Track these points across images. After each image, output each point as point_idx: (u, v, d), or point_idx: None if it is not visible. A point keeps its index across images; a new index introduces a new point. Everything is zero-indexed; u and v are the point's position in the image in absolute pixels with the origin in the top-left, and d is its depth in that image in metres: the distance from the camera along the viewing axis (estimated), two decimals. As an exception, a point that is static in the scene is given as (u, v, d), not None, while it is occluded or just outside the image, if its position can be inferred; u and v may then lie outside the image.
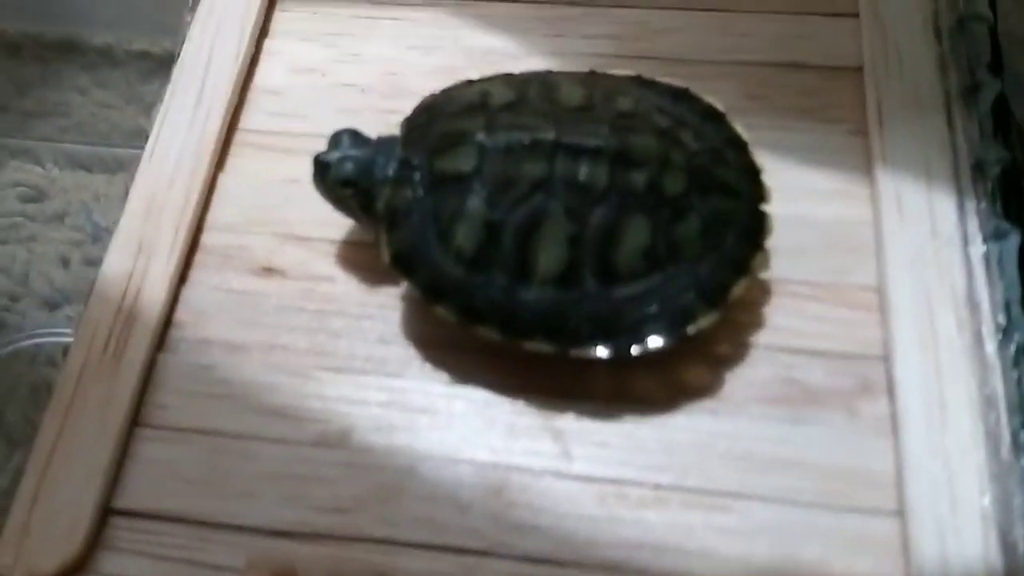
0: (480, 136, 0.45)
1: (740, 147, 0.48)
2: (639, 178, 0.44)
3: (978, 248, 0.48)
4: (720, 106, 0.50)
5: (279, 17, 0.59)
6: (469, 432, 0.45)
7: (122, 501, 0.44)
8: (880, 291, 0.48)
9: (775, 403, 0.45)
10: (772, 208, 0.47)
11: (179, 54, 0.57)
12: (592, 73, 0.51)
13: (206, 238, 0.51)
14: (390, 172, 0.46)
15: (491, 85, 0.49)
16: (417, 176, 0.46)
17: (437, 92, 0.50)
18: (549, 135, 0.44)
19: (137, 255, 0.50)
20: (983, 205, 0.49)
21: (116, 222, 0.53)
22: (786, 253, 0.48)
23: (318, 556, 0.42)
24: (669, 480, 0.43)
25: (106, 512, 0.44)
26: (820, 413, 0.45)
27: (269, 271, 0.50)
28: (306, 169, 0.49)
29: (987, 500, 0.41)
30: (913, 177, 0.50)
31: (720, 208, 0.45)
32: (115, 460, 0.45)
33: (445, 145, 0.46)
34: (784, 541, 0.42)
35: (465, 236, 0.44)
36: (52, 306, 0.61)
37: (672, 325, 0.44)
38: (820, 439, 0.44)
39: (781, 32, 0.57)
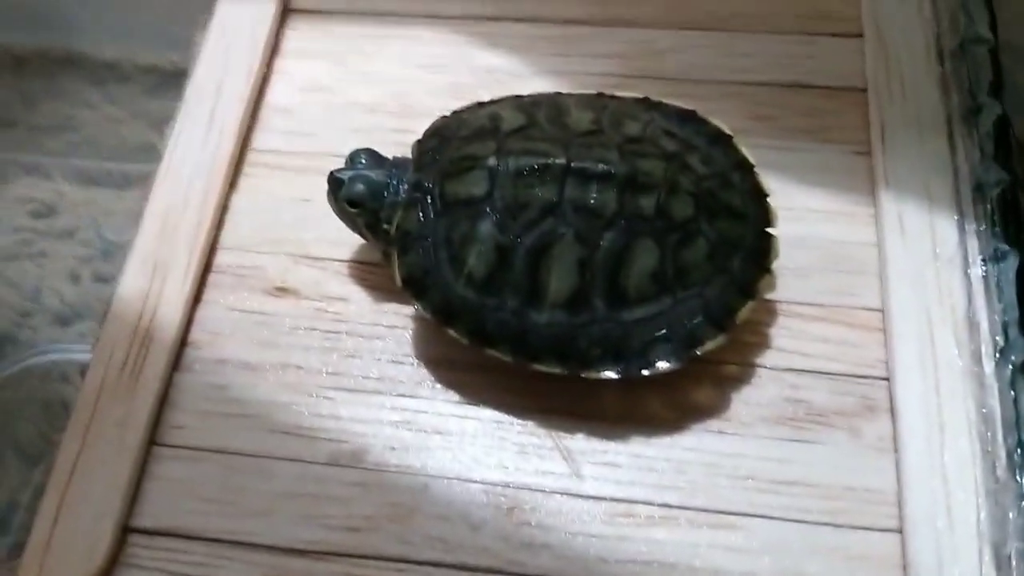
0: (491, 161, 0.46)
1: (747, 170, 0.49)
2: (648, 203, 0.45)
3: (978, 270, 0.49)
4: (726, 127, 0.50)
5: (289, 36, 0.60)
6: (480, 452, 0.46)
7: (140, 519, 0.45)
8: (883, 312, 0.49)
9: (780, 423, 0.46)
10: (778, 230, 0.47)
11: (191, 73, 0.57)
12: (600, 95, 0.51)
13: (220, 258, 0.52)
14: (402, 195, 0.47)
15: (501, 108, 0.50)
16: (429, 199, 0.47)
17: (448, 114, 0.51)
18: (559, 160, 0.45)
19: (152, 275, 0.50)
20: (983, 227, 0.49)
21: (127, 238, 0.54)
22: (791, 274, 0.49)
23: (332, 574, 0.43)
24: (677, 499, 0.44)
25: (125, 530, 0.45)
26: (824, 433, 0.45)
27: (283, 291, 0.51)
28: (318, 188, 0.50)
29: (983, 516, 0.42)
30: (915, 198, 0.51)
31: (727, 232, 0.46)
32: (133, 479, 0.45)
33: (457, 169, 0.46)
34: (788, 558, 0.43)
35: (477, 259, 0.45)
36: (63, 322, 0.62)
37: (680, 347, 0.44)
38: (824, 458, 0.45)
39: (786, 52, 0.58)
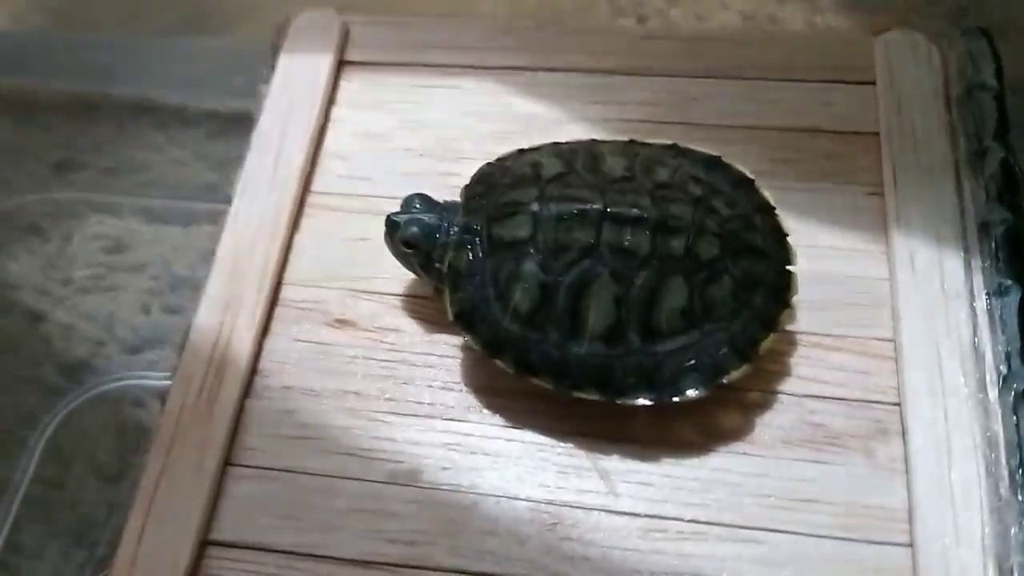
0: (534, 206, 0.50)
1: (768, 212, 0.53)
2: (677, 244, 0.50)
3: (982, 303, 0.53)
4: (748, 170, 0.55)
5: (345, 87, 0.65)
6: (525, 472, 0.50)
7: (218, 534, 0.50)
8: (894, 342, 0.53)
9: (800, 445, 0.50)
10: (797, 267, 0.52)
11: (256, 122, 0.62)
12: (632, 142, 0.56)
13: (285, 293, 0.57)
14: (453, 236, 0.52)
15: (541, 156, 0.55)
16: (477, 241, 0.51)
17: (492, 161, 0.56)
18: (596, 205, 0.50)
19: (225, 310, 0.55)
20: (987, 263, 0.54)
21: (193, 272, 0.59)
22: (810, 307, 0.54)
23: (393, 583, 0.48)
24: (705, 516, 0.48)
25: (204, 544, 0.49)
26: (840, 454, 0.50)
27: (342, 323, 0.56)
28: (374, 228, 0.55)
29: (987, 532, 0.46)
30: (924, 236, 0.55)
31: (750, 270, 0.51)
32: (211, 497, 0.50)
33: (503, 213, 0.51)
34: (807, 570, 0.47)
35: (522, 296, 0.50)
36: (134, 351, 0.67)
37: (708, 376, 0.49)
38: (840, 478, 0.49)
39: (804, 99, 0.62)
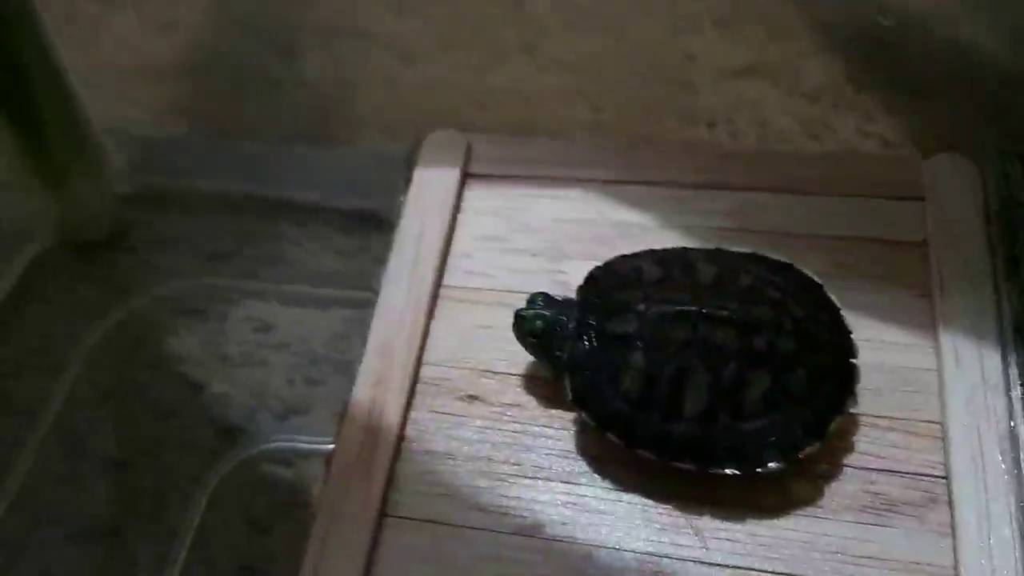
0: (640, 307, 0.61)
1: (833, 311, 0.64)
2: (760, 341, 0.60)
3: (1017, 392, 0.62)
4: (815, 274, 0.66)
5: (469, 196, 0.76)
6: (631, 528, 0.60)
7: (377, 574, 0.60)
8: (941, 424, 0.63)
9: (862, 511, 0.60)
10: (858, 359, 0.62)
11: (397, 225, 0.74)
12: (718, 250, 0.67)
13: (424, 372, 0.68)
14: (571, 330, 0.63)
15: (642, 261, 0.66)
16: (592, 334, 0.62)
17: (601, 264, 0.67)
18: (692, 307, 0.61)
19: (376, 386, 0.67)
20: (1022, 358, 0.64)
21: (328, 349, 0.70)
22: (869, 393, 0.63)
23: (523, 618, 0.58)
24: (782, 569, 0.58)
25: (365, 581, 0.60)
26: (895, 519, 0.59)
27: (472, 398, 0.67)
28: (496, 317, 0.66)
29: (1021, 587, 0.56)
30: (967, 334, 0.65)
31: (820, 362, 0.61)
32: (370, 544, 0.61)
33: (613, 312, 0.62)
34: (870, 616, 0.57)
35: (630, 382, 0.60)
36: (282, 417, 0.78)
37: (786, 451, 0.59)
38: (896, 539, 0.59)
39: (861, 211, 0.72)
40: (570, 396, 0.62)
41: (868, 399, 0.63)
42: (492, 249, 0.73)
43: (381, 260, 0.79)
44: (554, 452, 0.63)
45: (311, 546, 0.61)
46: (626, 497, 0.61)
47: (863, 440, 0.62)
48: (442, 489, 0.63)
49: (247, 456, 0.76)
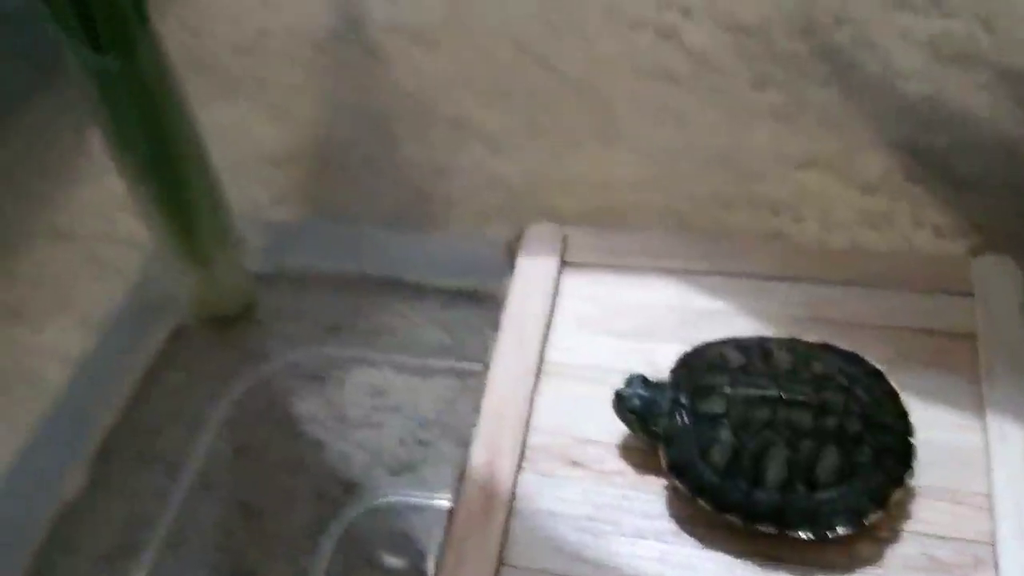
0: (727, 390, 0.71)
1: (894, 396, 0.73)
2: (831, 422, 0.70)
3: (1057, 470, 0.72)
4: (877, 362, 0.75)
5: (566, 282, 0.87)
6: (717, 581, 0.70)
7: (497, 615, 0.70)
8: (989, 495, 0.72)
9: (917, 571, 0.69)
10: (916, 438, 0.71)
11: (505, 307, 0.84)
12: (793, 340, 0.77)
13: (532, 438, 0.78)
14: (666, 408, 0.73)
15: (726, 348, 0.76)
16: (684, 412, 0.72)
17: (689, 350, 0.77)
18: (772, 392, 0.70)
19: (490, 451, 0.77)
20: (1060, 440, 0.73)
21: (435, 414, 0.81)
22: (926, 467, 0.72)
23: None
24: (850, 619, 0.68)
25: (487, 621, 0.70)
26: (949, 580, 0.69)
27: (574, 464, 0.76)
28: (594, 391, 0.76)
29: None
30: (1012, 416, 0.74)
31: (883, 441, 0.70)
32: (490, 588, 0.71)
33: (703, 393, 0.72)
34: (927, 664, 0.66)
35: (719, 455, 0.70)
36: (396, 473, 0.88)
37: (853, 518, 0.68)
38: (949, 597, 0.68)
39: (917, 305, 0.82)
40: (666, 466, 0.71)
41: (924, 473, 0.72)
42: (587, 330, 0.83)
43: (480, 333, 0.90)
44: (649, 514, 0.73)
45: (439, 591, 0.70)
46: (713, 555, 0.70)
47: (919, 508, 0.71)
48: (551, 543, 0.72)
49: (368, 507, 0.86)
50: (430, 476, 0.86)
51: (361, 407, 0.91)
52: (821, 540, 0.68)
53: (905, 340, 0.80)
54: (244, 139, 1.04)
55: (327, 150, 1.18)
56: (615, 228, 0.90)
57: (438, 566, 0.72)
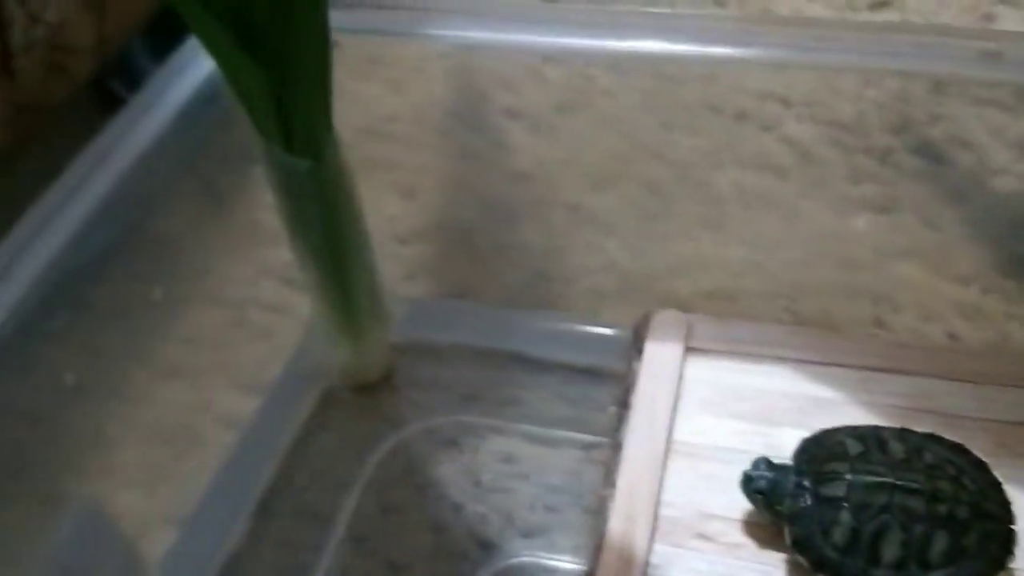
0: (848, 476, 0.79)
1: (997, 486, 0.81)
2: (942, 509, 0.77)
3: None
4: (980, 453, 0.83)
5: (690, 366, 0.95)
6: (836, 650, 0.77)
7: (635, 672, 0.78)
8: (1087, 582, 0.79)
9: (1022, 649, 0.76)
10: (1018, 525, 0.79)
11: (634, 390, 0.93)
12: (904, 430, 0.84)
13: (662, 511, 0.86)
14: (790, 489, 0.81)
15: (844, 436, 0.84)
16: (807, 495, 0.80)
17: (809, 436, 0.85)
18: (888, 479, 0.78)
19: (626, 521, 0.85)
20: None
21: (562, 482, 0.90)
22: (1026, 553, 0.80)
23: None
24: None
25: None
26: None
27: (702, 536, 0.84)
28: (719, 470, 0.84)
29: None
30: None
31: (988, 529, 0.78)
32: (629, 647, 0.79)
33: (825, 478, 0.80)
34: None
35: (839, 535, 0.78)
36: (527, 536, 0.96)
37: (962, 599, 0.76)
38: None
39: (1016, 399, 0.90)
40: (789, 542, 0.79)
41: (1026, 558, 0.79)
42: (710, 412, 0.92)
43: (602, 409, 0.99)
44: (772, 585, 0.81)
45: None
46: (832, 625, 0.78)
47: (1022, 591, 0.78)
48: (684, 608, 0.80)
49: (504, 566, 0.94)
50: (559, 540, 0.94)
51: (493, 472, 1.00)
52: (933, 616, 0.75)
53: (1006, 433, 0.87)
54: (376, 216, 1.14)
55: (451, 230, 1.28)
56: (734, 317, 0.98)
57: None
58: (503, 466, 1.02)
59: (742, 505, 0.84)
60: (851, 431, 0.84)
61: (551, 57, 1.30)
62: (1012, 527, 0.78)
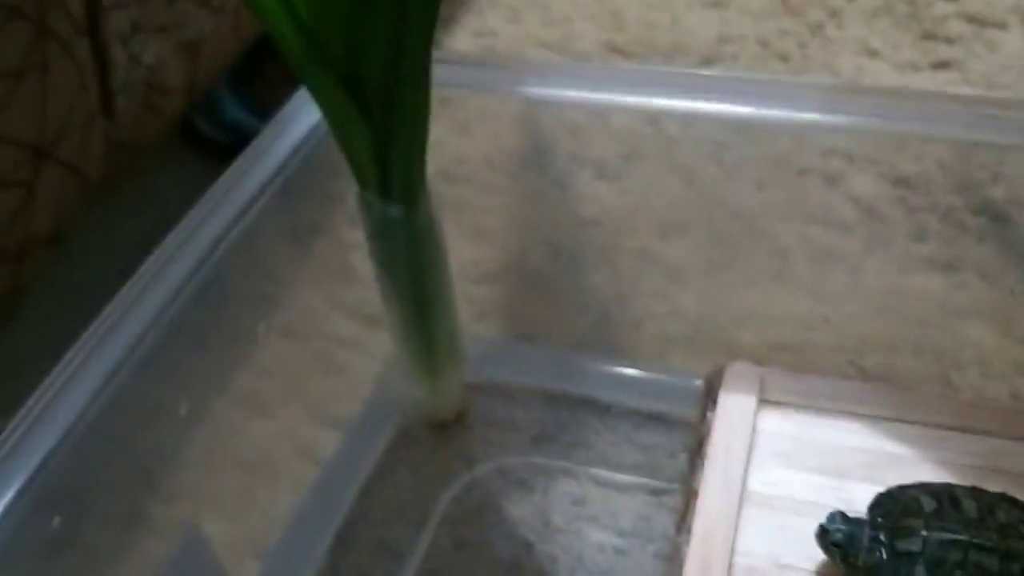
0: (923, 532, 0.81)
1: (1069, 546, 0.83)
2: (1015, 567, 0.79)
3: None
4: (1051, 515, 0.84)
5: (763, 417, 0.97)
6: None
7: None
8: None
9: None
10: (1090, 588, 0.80)
11: (707, 439, 0.96)
12: (975, 488, 0.86)
13: (736, 560, 0.88)
14: (866, 543, 0.83)
15: (919, 493, 0.86)
16: (883, 548, 0.82)
17: (883, 491, 0.87)
18: (963, 537, 0.80)
19: (702, 568, 0.87)
20: None
21: (631, 525, 0.92)
22: (1098, 615, 0.82)
23: None
24: None
25: None
26: None
27: (774, 585, 0.87)
28: (790, 521, 0.87)
29: None
30: None
31: (1061, 587, 0.80)
32: None
33: (900, 533, 0.82)
34: None
35: (914, 589, 0.80)
36: (597, 577, 0.99)
37: (1031, 654, 0.78)
38: None
39: (1086, 461, 0.91)
40: (865, 594, 0.81)
41: (1099, 620, 0.81)
42: (783, 465, 0.94)
43: (672, 456, 1.01)
44: (843, 636, 0.83)
45: None
46: None
47: (1094, 651, 0.80)
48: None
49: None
50: (627, 583, 0.96)
51: (563, 514, 1.02)
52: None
53: (1075, 492, 0.89)
54: (453, 257, 1.17)
55: (521, 272, 1.31)
56: (803, 371, 1.01)
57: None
58: (573, 508, 1.05)
59: (817, 556, 0.86)
60: (925, 488, 0.86)
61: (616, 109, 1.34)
62: (1082, 587, 0.80)
